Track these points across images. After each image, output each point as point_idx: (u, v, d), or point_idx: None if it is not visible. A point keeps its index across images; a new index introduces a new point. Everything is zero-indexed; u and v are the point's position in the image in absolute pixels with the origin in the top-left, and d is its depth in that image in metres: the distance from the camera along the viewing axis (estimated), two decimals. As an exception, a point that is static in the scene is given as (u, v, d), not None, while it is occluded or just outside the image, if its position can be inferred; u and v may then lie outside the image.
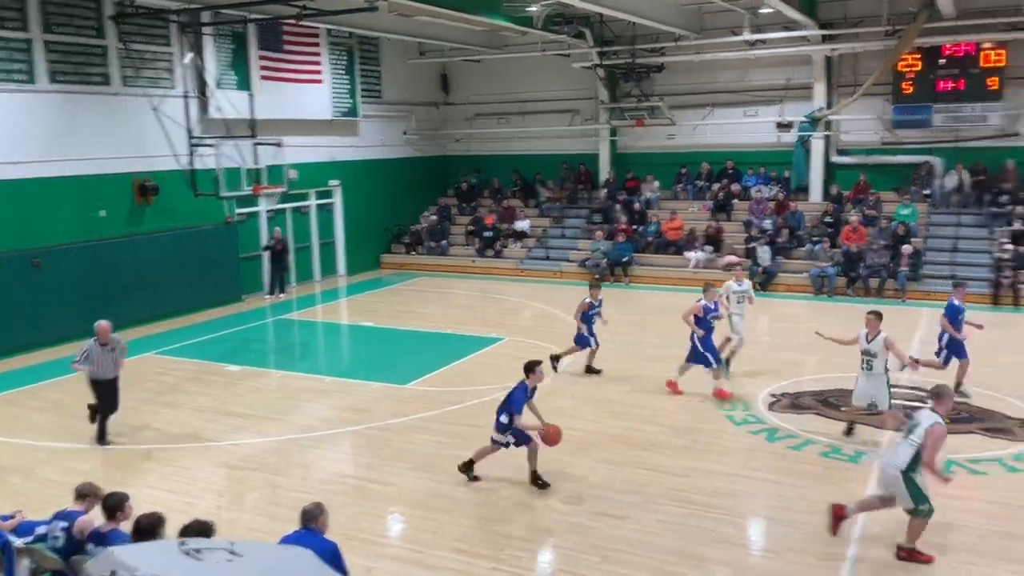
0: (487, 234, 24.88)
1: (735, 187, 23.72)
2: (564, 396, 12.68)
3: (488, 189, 27.13)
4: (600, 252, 22.67)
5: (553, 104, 25.93)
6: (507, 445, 9.29)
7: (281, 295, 21.07)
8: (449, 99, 27.87)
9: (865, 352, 10.09)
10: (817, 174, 22.75)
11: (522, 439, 9.26)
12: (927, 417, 7.47)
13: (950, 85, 20.66)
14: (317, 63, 22.26)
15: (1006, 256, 18.52)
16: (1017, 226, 19.27)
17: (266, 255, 21.21)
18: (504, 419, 9.24)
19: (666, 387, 12.58)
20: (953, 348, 11.90)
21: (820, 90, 22.24)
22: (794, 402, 12.08)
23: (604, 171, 25.74)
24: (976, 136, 20.76)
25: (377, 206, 25.02)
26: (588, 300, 13.71)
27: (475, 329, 17.25)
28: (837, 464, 9.90)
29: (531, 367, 9.39)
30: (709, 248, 21.93)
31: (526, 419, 9.28)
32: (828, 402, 12.06)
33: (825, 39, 21.44)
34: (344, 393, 13.23)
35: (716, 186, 23.86)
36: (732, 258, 21.29)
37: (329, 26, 21.23)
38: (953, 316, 11.87)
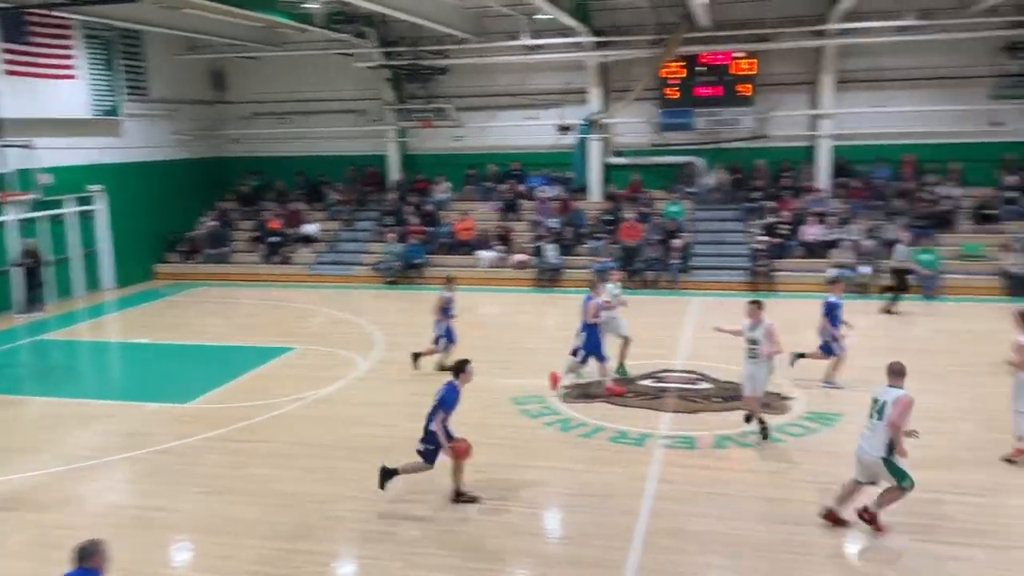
0: (273, 239, 23.89)
1: (521, 188, 24.42)
2: (349, 404, 12.41)
3: (272, 192, 26.05)
4: (393, 255, 22.48)
5: (338, 104, 25.38)
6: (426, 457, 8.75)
7: (37, 313, 18.96)
8: (225, 97, 26.45)
9: (749, 340, 10.21)
10: (596, 174, 23.96)
11: (429, 458, 8.72)
12: (890, 392, 7.84)
13: (709, 91, 22.51)
14: (70, 57, 20.27)
15: (761, 247, 20.49)
16: (769, 219, 21.35)
17: (18, 270, 18.99)
18: (433, 427, 8.63)
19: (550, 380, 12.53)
20: (831, 341, 12.54)
21: (595, 94, 23.43)
22: (584, 392, 12.59)
23: (394, 172, 25.57)
24: (732, 138, 22.79)
25: (148, 212, 23.21)
26: (446, 295, 13.74)
27: (263, 340, 16.47)
28: (625, 448, 10.43)
29: (461, 367, 8.83)
30: (501, 247, 22.43)
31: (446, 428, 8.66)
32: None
33: (598, 46, 22.61)
34: (117, 417, 12.11)
35: (503, 187, 24.44)
36: (522, 256, 21.93)
37: (83, 17, 19.39)
38: (830, 312, 12.49)
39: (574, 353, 12.44)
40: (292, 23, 20.08)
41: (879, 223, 20.68)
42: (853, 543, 8.00)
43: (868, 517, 8.00)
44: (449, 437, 8.65)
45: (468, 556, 7.83)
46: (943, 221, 20.62)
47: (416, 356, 13.87)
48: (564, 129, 23.87)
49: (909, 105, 21.59)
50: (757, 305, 10.25)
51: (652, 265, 21.04)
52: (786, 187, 22.47)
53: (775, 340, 10.19)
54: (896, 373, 7.97)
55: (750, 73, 22.16)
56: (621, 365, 13.38)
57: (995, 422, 10.51)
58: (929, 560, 7.55)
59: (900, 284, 17.97)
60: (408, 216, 23.82)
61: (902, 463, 7.78)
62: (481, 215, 23.86)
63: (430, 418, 8.68)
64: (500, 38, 22.60)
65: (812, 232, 20.87)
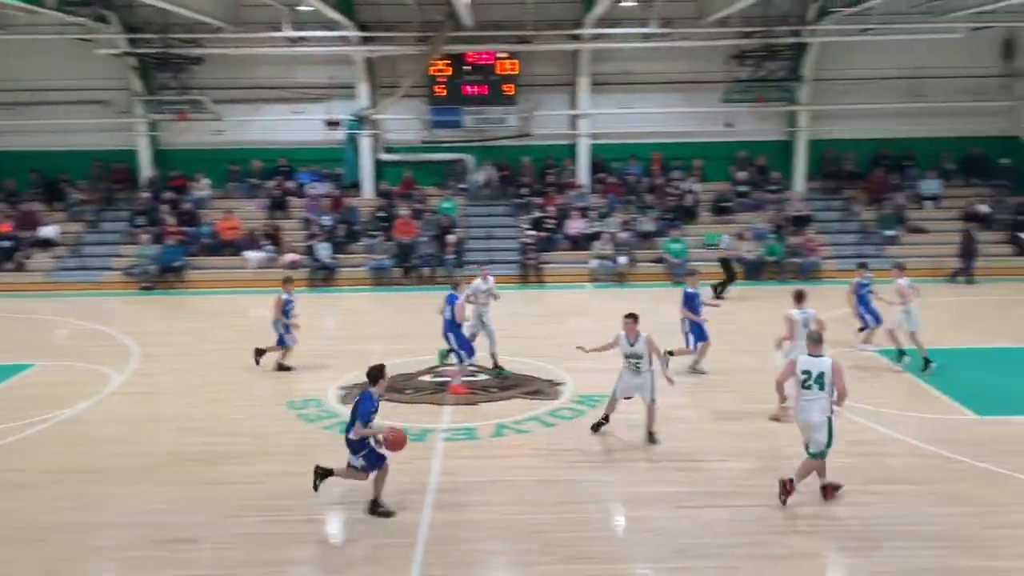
0: (4, 244, 21.26)
1: (290, 184, 23.58)
2: (101, 423, 11.36)
3: None
4: (148, 258, 20.82)
5: (77, 94, 23.03)
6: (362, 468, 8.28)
7: None
8: (-65, 84, 23.15)
9: (631, 355, 9.89)
10: (368, 171, 23.68)
11: (374, 462, 8.26)
12: (824, 362, 8.17)
13: (475, 90, 23.02)
14: None
15: (529, 241, 21.31)
16: (536, 214, 22.26)
17: None
18: (354, 435, 8.16)
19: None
20: (696, 331, 12.91)
21: (364, 90, 23.14)
22: (363, 391, 12.38)
23: (145, 169, 23.67)
24: (499, 136, 23.48)
25: None
26: (284, 296, 13.24)
27: (-5, 357, 14.60)
28: (468, 443, 10.40)
29: (379, 373, 8.33)
30: (270, 247, 21.51)
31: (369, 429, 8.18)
32: (394, 388, 12.59)
33: (364, 40, 22.33)
34: None
35: (270, 183, 23.47)
36: (294, 256, 21.18)
37: None
38: (690, 302, 12.87)
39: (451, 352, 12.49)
40: (19, 3, 17.91)
41: (634, 216, 22.26)
42: (620, 516, 8.53)
43: (831, 490, 8.53)
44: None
45: (240, 572, 7.43)
46: (688, 213, 22.59)
47: (259, 352, 13.45)
48: (333, 124, 23.35)
49: (655, 107, 23.41)
50: (633, 319, 9.84)
51: (428, 261, 21.18)
52: (551, 183, 23.54)
53: (656, 349, 9.99)
54: (817, 342, 8.40)
55: (513, 73, 22.93)
56: (497, 366, 13.24)
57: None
58: (686, 523, 8.22)
59: (728, 272, 19.37)
60: (164, 216, 22.18)
61: (835, 425, 8.33)
62: (247, 214, 22.76)
63: (347, 429, 8.30)
64: (260, 28, 21.63)
65: (575, 226, 22.04)
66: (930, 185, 22.95)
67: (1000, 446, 9.92)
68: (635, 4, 21.13)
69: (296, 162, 23.99)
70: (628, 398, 10.17)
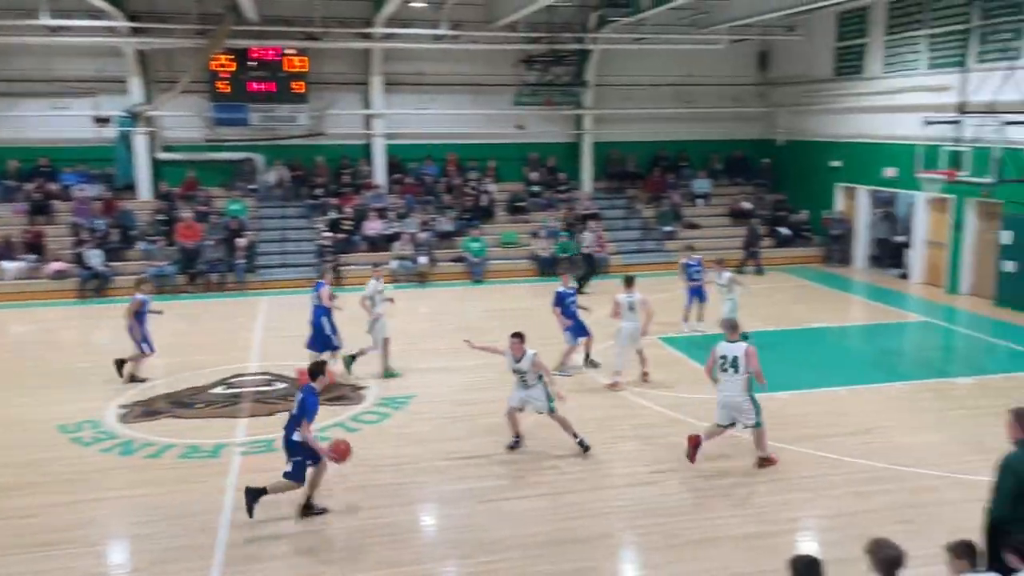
0: None
1: (54, 186, 21.45)
2: None
3: None
4: None
5: None
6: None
7: None
8: None
9: (517, 371, 9.80)
10: (144, 171, 22.04)
11: (302, 471, 8.04)
12: (736, 347, 9.12)
13: (262, 87, 22.09)
14: None
15: (327, 243, 20.78)
16: (333, 215, 21.76)
17: None
18: (297, 436, 7.92)
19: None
20: (575, 329, 12.86)
21: (136, 84, 21.50)
22: (147, 410, 11.52)
23: None
24: (290, 135, 22.69)
25: None
26: (140, 297, 12.67)
27: None
28: (197, 463, 9.80)
29: (320, 369, 8.19)
30: (31, 256, 19.43)
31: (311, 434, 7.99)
32: (182, 403, 11.84)
33: (135, 31, 20.75)
34: None
35: (30, 186, 21.21)
36: (60, 265, 19.28)
37: None
38: (561, 301, 12.84)
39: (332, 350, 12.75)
40: None
41: (432, 216, 22.37)
42: (429, 516, 8.53)
43: (766, 462, 9.36)
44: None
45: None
46: (486, 213, 23.04)
47: (120, 363, 12.65)
48: (102, 121, 21.50)
49: (448, 108, 23.65)
50: (519, 338, 9.75)
51: (215, 266, 20.06)
52: (347, 184, 23.09)
53: (543, 367, 9.86)
54: (732, 328, 9.39)
55: (302, 71, 22.26)
56: (388, 368, 12.98)
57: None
58: (493, 517, 8.37)
59: (589, 267, 19.73)
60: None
61: (757, 398, 9.28)
62: (1, 220, 20.43)
63: (290, 430, 8.01)
64: (12, 15, 19.44)
65: (373, 227, 21.78)
66: (701, 184, 24.91)
67: (767, 420, 10.93)
68: (425, 5, 21.22)
69: (60, 162, 21.84)
70: (520, 409, 9.91)
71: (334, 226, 21.44)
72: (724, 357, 9.22)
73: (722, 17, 21.24)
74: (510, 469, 9.48)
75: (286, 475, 8.09)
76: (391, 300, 13.51)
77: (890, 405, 11.49)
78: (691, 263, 15.26)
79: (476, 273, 21.04)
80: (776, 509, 8.49)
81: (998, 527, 6.11)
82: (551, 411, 9.73)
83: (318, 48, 22.12)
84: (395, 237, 21.55)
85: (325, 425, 10.81)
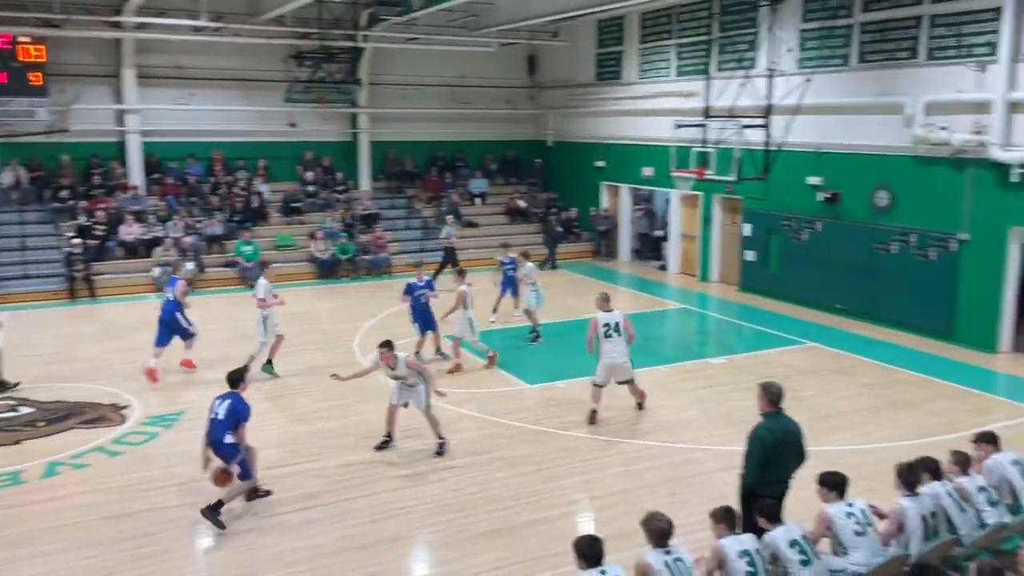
0: None
1: None
2: None
3: None
4: None
5: None
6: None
7: None
8: None
9: (396, 378, 9.71)
10: None
11: (248, 468, 8.27)
12: (615, 315, 10.67)
13: (-9, 77, 19.61)
14: None
15: (76, 250, 18.84)
16: (82, 220, 19.80)
17: None
18: (231, 439, 8.07)
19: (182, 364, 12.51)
20: (422, 322, 13.31)
21: None
22: None
23: None
24: (26, 132, 20.31)
25: None
26: None
27: None
28: (14, 490, 8.61)
29: (241, 376, 8.47)
30: None
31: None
32: (-97, 438, 10.26)
33: None
34: None
35: None
36: None
37: None
38: (410, 292, 13.27)
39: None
40: None
41: (199, 219, 21.05)
42: (206, 538, 8.01)
43: (640, 397, 11.19)
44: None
45: None
46: (258, 215, 22.03)
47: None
48: None
49: (213, 104, 22.35)
50: (388, 347, 9.54)
51: (-61, 280, 17.56)
52: (97, 185, 21.09)
53: (422, 367, 9.80)
54: (606, 300, 10.85)
55: (39, 60, 19.99)
56: (269, 362, 12.87)
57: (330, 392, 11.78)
58: (277, 531, 8.02)
59: (452, 259, 19.36)
60: None
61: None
62: None
63: (220, 435, 8.05)
64: None
65: (131, 232, 20.09)
66: (478, 184, 25.45)
67: (548, 409, 11.41)
68: (183, -6, 19.86)
69: None
70: (405, 405, 9.83)
71: (84, 232, 19.51)
72: (607, 324, 10.61)
73: (491, 20, 21.81)
74: (292, 482, 9.12)
75: (240, 477, 8.21)
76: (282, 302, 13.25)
77: (656, 387, 12.35)
78: (505, 260, 16.13)
79: (250, 278, 20.05)
80: (558, 493, 8.84)
81: (750, 492, 6.76)
82: (428, 408, 9.77)
83: (59, 36, 19.99)
84: (156, 242, 20.00)
85: (82, 451, 9.84)
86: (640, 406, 11.31)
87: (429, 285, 13.53)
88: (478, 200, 25.16)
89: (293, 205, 22.63)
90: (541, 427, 10.72)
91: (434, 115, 25.02)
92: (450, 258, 19.92)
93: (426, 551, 7.85)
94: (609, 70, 23.23)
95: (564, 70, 25.02)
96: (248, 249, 20.33)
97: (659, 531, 5.66)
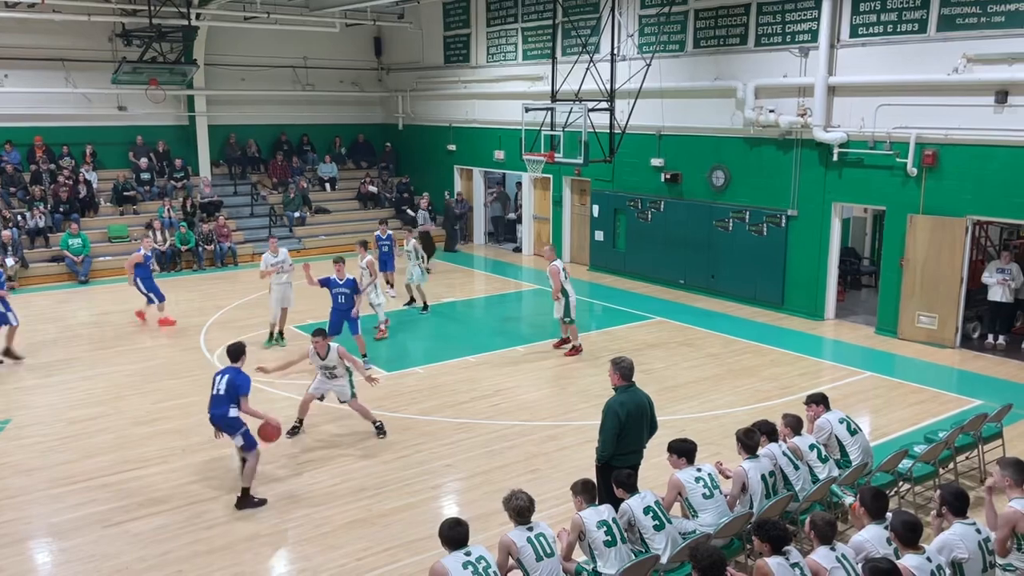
0: None
1: None
2: None
3: None
4: None
5: None
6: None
7: None
8: None
9: (325, 367, 9.69)
10: None
11: (252, 440, 8.23)
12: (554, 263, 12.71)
13: None
14: None
15: None
16: None
17: None
18: (234, 412, 8.11)
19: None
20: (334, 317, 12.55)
21: None
22: None
23: None
24: None
25: None
26: None
27: None
28: None
29: (241, 350, 8.50)
30: None
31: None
32: None
33: None
34: None
35: None
36: None
37: None
38: (327, 284, 12.57)
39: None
40: None
41: (19, 211, 19.36)
42: (44, 553, 7.42)
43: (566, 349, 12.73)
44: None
45: None
46: (87, 205, 20.51)
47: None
48: None
49: (31, 86, 20.56)
50: (322, 335, 9.68)
51: None
52: None
53: (350, 356, 9.83)
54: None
55: None
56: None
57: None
58: (122, 540, 7.55)
59: (428, 245, 18.52)
60: None
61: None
62: None
63: (223, 410, 8.10)
64: None
65: (-61, 226, 18.23)
66: (327, 169, 24.78)
67: (406, 395, 11.33)
68: (-12, -36, 18.11)
69: None
70: (320, 398, 9.89)
71: None
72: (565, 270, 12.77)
73: (334, 0, 21.21)
74: (136, 486, 8.61)
75: (244, 449, 8.18)
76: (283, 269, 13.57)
77: (513, 368, 12.54)
78: (381, 236, 16.39)
79: (80, 273, 18.68)
80: (420, 479, 8.80)
81: (606, 464, 6.99)
82: (352, 398, 9.79)
83: None
84: (-30, 237, 18.24)
85: None
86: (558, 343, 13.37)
87: (350, 284, 12.44)
88: (328, 185, 24.54)
89: (126, 194, 21.21)
90: (400, 414, 10.63)
91: (277, 97, 24.13)
92: (427, 243, 19.37)
93: (285, 548, 7.60)
94: (457, 53, 23.17)
95: (412, 52, 24.74)
96: (76, 242, 18.88)
97: (519, 508, 5.75)
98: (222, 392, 8.16)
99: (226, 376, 8.24)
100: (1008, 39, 12.24)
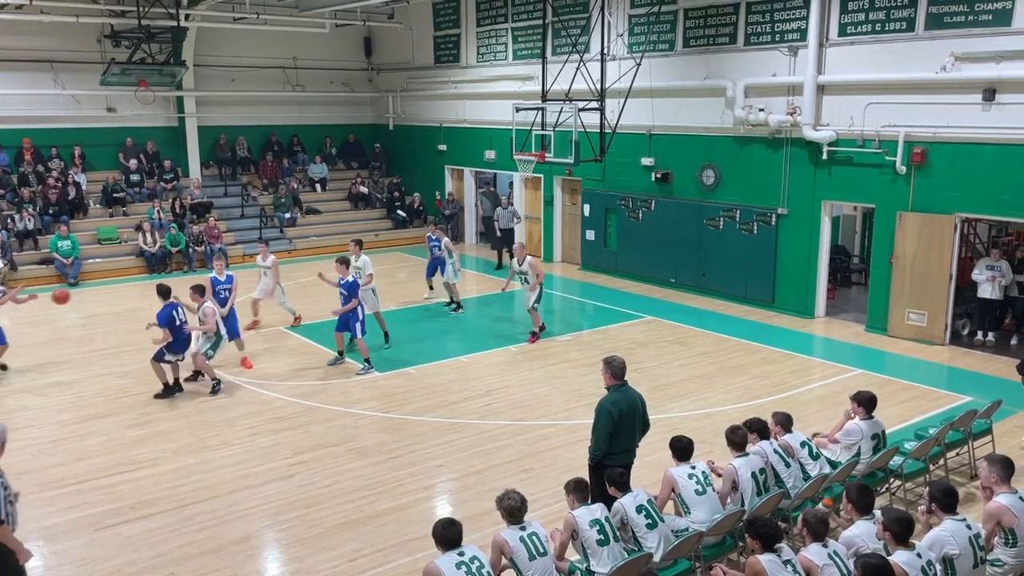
0: None
1: None
2: None
3: None
4: None
5: None
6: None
7: None
8: None
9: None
10: None
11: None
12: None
13: None
14: None
15: None
16: None
17: None
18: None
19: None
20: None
21: None
22: None
23: None
24: None
25: None
26: None
27: None
28: None
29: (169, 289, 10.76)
30: None
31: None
32: None
33: None
34: None
35: None
36: None
37: None
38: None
39: None
40: None
41: (8, 213, 19.25)
42: (36, 557, 7.38)
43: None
44: None
45: None
46: (76, 207, 20.41)
47: None
48: None
49: (20, 88, 20.45)
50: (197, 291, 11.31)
51: None
52: None
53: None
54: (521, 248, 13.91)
55: None
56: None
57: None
58: (114, 544, 7.53)
59: (509, 242, 19.18)
60: None
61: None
62: None
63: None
64: None
65: (-73, 228, 18.10)
66: (318, 169, 24.73)
67: (398, 396, 11.32)
68: (-25, -35, 17.98)
69: None
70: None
71: None
72: (520, 275, 13.69)
73: (323, 1, 21.17)
74: (127, 489, 8.58)
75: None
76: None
77: (505, 367, 12.55)
78: (433, 238, 16.58)
79: (69, 275, 18.59)
80: (412, 480, 8.80)
81: (599, 463, 7.00)
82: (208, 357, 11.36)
83: None
84: (-41, 240, 18.15)
85: None
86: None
87: (347, 286, 12.25)
88: (318, 186, 24.48)
89: (116, 196, 21.13)
90: (392, 415, 10.62)
91: (267, 98, 24.06)
92: (508, 241, 19.56)
93: (276, 550, 7.59)
94: (447, 53, 23.15)
95: (402, 53, 24.71)
96: (65, 244, 18.79)
97: (512, 508, 5.75)
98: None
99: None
100: (995, 37, 12.33)
